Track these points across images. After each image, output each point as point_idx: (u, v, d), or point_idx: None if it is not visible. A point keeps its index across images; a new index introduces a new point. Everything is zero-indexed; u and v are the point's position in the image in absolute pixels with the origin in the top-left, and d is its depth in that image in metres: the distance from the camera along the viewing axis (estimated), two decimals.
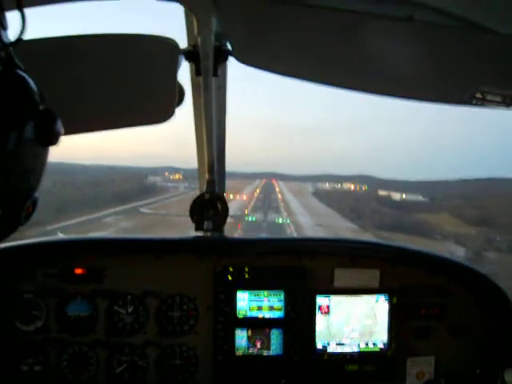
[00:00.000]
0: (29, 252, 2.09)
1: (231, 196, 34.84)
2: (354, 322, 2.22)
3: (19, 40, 0.65)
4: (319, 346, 2.20)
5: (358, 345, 2.21)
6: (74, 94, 1.53)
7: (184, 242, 2.20)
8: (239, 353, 2.15)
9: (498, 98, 1.57)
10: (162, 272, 2.13)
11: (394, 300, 2.21)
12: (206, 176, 2.18)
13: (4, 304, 2.05)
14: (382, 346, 2.22)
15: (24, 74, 0.63)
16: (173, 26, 1.67)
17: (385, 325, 2.21)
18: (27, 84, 0.63)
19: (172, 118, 1.79)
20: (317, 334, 2.19)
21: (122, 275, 2.11)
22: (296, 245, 2.33)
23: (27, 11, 0.69)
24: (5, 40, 0.63)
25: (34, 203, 0.68)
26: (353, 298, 2.21)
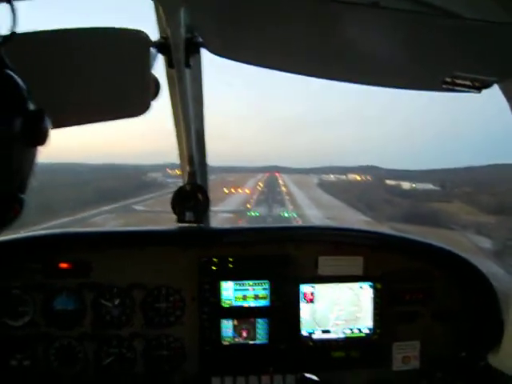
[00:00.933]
0: (14, 247, 2.21)
1: (232, 190, 34.50)
2: (338, 309, 2.34)
3: (9, 39, 0.69)
4: (304, 333, 2.32)
5: (344, 331, 2.33)
6: (43, 90, 1.61)
7: (167, 233, 2.32)
8: (225, 342, 2.29)
9: (467, 82, 1.66)
10: (147, 264, 2.26)
11: (378, 286, 2.32)
12: (187, 168, 2.29)
13: None
14: (367, 331, 2.33)
15: (13, 74, 0.67)
16: (144, 18, 1.74)
17: (369, 311, 2.33)
18: (17, 84, 0.67)
19: (148, 111, 1.87)
20: (302, 321, 2.31)
21: (108, 268, 2.24)
22: (279, 233, 2.44)
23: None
24: None
25: (21, 204, 0.71)
26: (337, 285, 2.33)
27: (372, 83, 1.83)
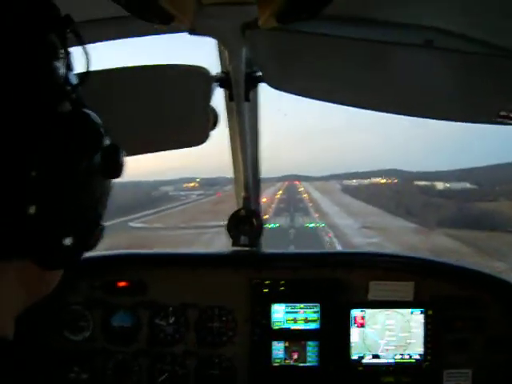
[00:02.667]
0: (78, 266, 2.51)
1: None
2: (389, 334, 2.57)
3: (84, 79, 0.80)
4: (355, 357, 2.55)
5: (394, 357, 2.56)
6: (115, 122, 1.90)
7: (221, 257, 2.60)
8: (276, 364, 2.54)
9: None
10: (201, 285, 2.55)
11: (430, 312, 2.54)
12: (242, 193, 2.57)
13: (54, 315, 2.52)
14: (417, 358, 2.55)
15: (91, 112, 0.79)
16: (206, 52, 2.02)
17: (420, 337, 2.55)
18: (94, 121, 0.79)
19: (207, 140, 2.15)
20: (352, 345, 2.55)
21: (163, 288, 2.54)
22: (330, 259, 2.68)
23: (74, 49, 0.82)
24: (73, 81, 0.77)
25: (102, 230, 0.86)
26: (387, 310, 2.56)
27: (424, 116, 2.08)
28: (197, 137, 2.14)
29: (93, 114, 0.78)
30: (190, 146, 2.27)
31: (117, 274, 2.54)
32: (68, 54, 0.75)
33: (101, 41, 1.74)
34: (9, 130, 0.64)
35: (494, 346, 2.56)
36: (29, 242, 0.70)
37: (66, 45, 0.75)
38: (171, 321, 2.54)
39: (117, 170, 0.82)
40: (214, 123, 2.09)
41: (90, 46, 0.82)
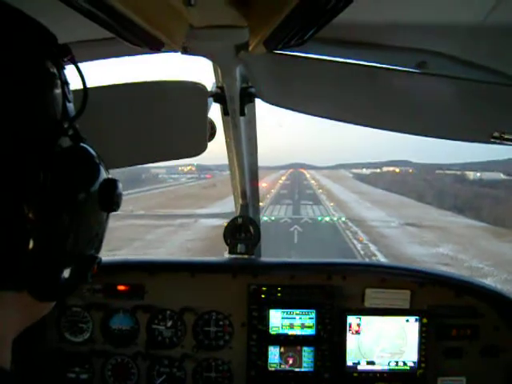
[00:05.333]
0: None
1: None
2: (384, 341, 2.94)
3: (81, 112, 0.85)
4: (350, 363, 2.93)
5: (389, 363, 2.94)
6: (117, 136, 2.20)
7: (218, 265, 2.97)
8: (272, 368, 2.92)
9: None
10: (198, 290, 2.92)
11: (425, 320, 2.91)
12: (240, 201, 2.92)
13: (55, 317, 2.90)
14: (411, 365, 2.93)
15: (88, 147, 0.84)
16: (202, 67, 2.34)
17: (415, 345, 2.92)
18: (92, 156, 0.85)
19: (205, 151, 2.47)
20: (347, 352, 2.93)
21: (161, 292, 2.92)
22: (327, 268, 3.03)
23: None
24: (71, 114, 0.82)
25: (99, 264, 0.96)
26: (383, 318, 2.93)
27: (421, 134, 2.40)
28: (195, 148, 2.43)
29: (90, 149, 0.85)
30: (189, 157, 2.60)
31: (117, 278, 2.91)
32: (67, 84, 0.83)
33: (93, 60, 2.03)
34: (5, 166, 0.71)
35: (488, 354, 2.92)
36: (25, 276, 0.77)
37: (63, 75, 0.82)
38: (169, 324, 2.93)
39: (114, 203, 0.88)
40: (212, 134, 2.42)
41: (82, 65, 0.89)
